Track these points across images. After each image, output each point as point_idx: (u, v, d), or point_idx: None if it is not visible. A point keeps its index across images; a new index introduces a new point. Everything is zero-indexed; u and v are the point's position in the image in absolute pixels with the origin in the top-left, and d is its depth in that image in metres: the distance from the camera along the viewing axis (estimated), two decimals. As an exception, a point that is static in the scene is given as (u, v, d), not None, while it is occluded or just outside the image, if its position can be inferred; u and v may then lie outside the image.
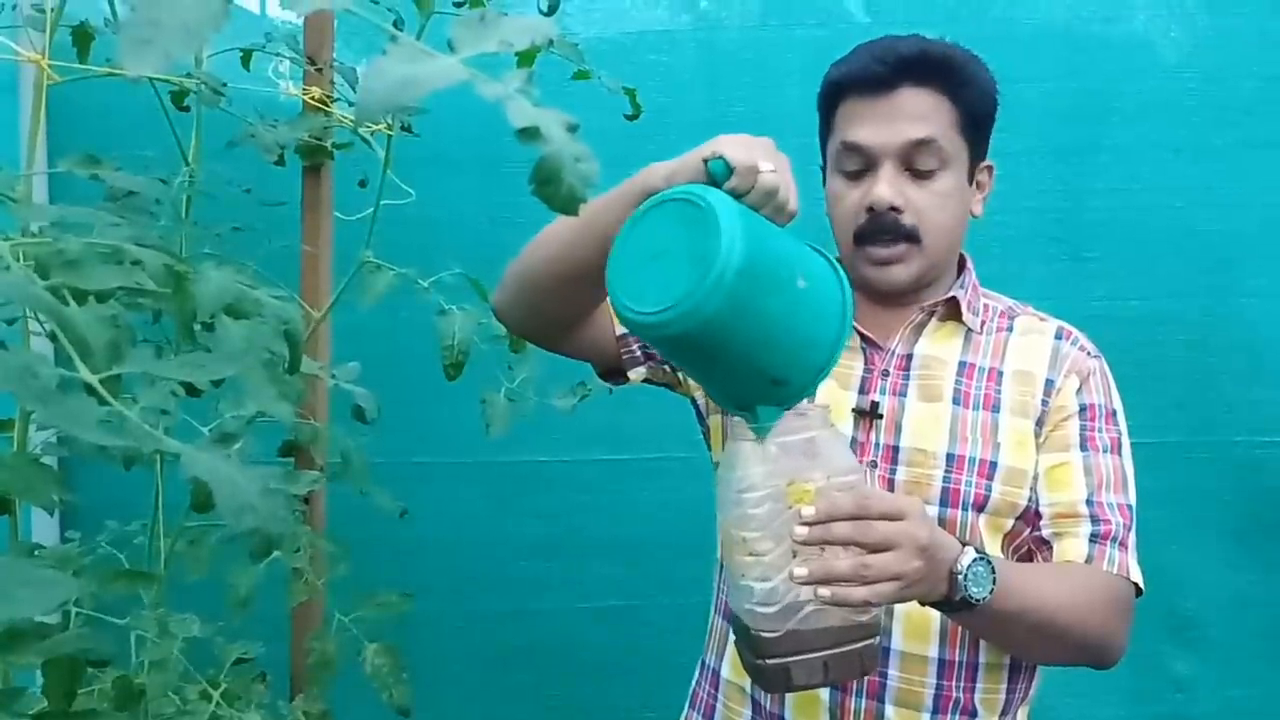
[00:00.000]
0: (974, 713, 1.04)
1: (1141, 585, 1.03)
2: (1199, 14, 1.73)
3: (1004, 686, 1.06)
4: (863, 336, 1.10)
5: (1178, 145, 1.73)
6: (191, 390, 0.68)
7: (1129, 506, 1.06)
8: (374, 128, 1.29)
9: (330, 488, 1.42)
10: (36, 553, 0.91)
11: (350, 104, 1.36)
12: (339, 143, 1.37)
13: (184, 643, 1.05)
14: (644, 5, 1.77)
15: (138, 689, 0.91)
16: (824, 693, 1.04)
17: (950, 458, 1.04)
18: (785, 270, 0.82)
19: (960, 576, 0.89)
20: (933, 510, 1.03)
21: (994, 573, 0.90)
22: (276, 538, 0.48)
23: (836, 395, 1.09)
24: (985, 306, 1.14)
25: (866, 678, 1.02)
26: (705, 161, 0.85)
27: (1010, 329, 1.12)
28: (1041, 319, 1.15)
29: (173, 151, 1.22)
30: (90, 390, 0.49)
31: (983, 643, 1.04)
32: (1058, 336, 1.12)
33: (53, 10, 0.98)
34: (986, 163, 1.12)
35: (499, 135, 0.56)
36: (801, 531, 0.83)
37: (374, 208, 1.27)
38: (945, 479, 1.03)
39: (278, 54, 1.35)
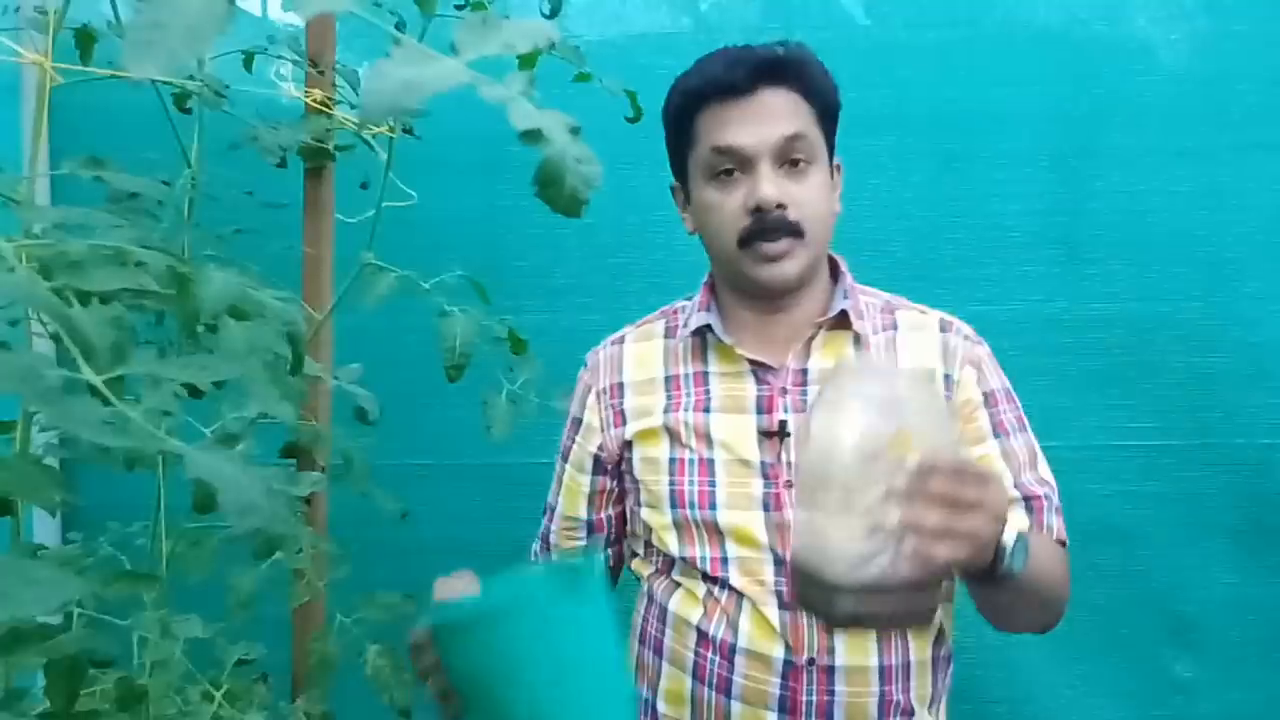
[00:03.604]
0: (911, 711, 1.07)
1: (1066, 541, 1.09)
2: (1199, 16, 1.73)
3: (930, 680, 1.09)
4: (750, 362, 1.11)
5: (1178, 148, 1.73)
6: (194, 391, 0.68)
7: (1047, 479, 1.11)
8: (376, 130, 1.29)
9: (332, 489, 1.42)
10: (39, 554, 0.92)
11: (352, 106, 1.36)
12: (341, 145, 1.37)
13: (186, 644, 1.05)
14: (645, 8, 1.78)
15: (140, 690, 0.91)
16: (772, 716, 1.05)
17: None
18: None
19: (1006, 550, 0.90)
20: None
21: (1028, 547, 0.91)
22: (278, 539, 0.48)
23: (738, 420, 1.10)
24: (867, 305, 1.15)
25: (814, 698, 1.04)
26: None
27: (895, 325, 1.14)
28: (922, 312, 1.17)
29: (175, 153, 1.23)
30: (93, 391, 0.49)
31: (912, 642, 1.07)
32: (942, 329, 1.14)
33: (55, 12, 0.98)
34: (836, 161, 1.14)
35: (501, 137, 0.56)
36: (901, 480, 0.82)
37: (376, 210, 1.27)
38: None
39: (280, 56, 1.35)
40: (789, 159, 1.06)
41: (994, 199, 1.75)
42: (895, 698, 1.06)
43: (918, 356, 1.11)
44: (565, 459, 1.24)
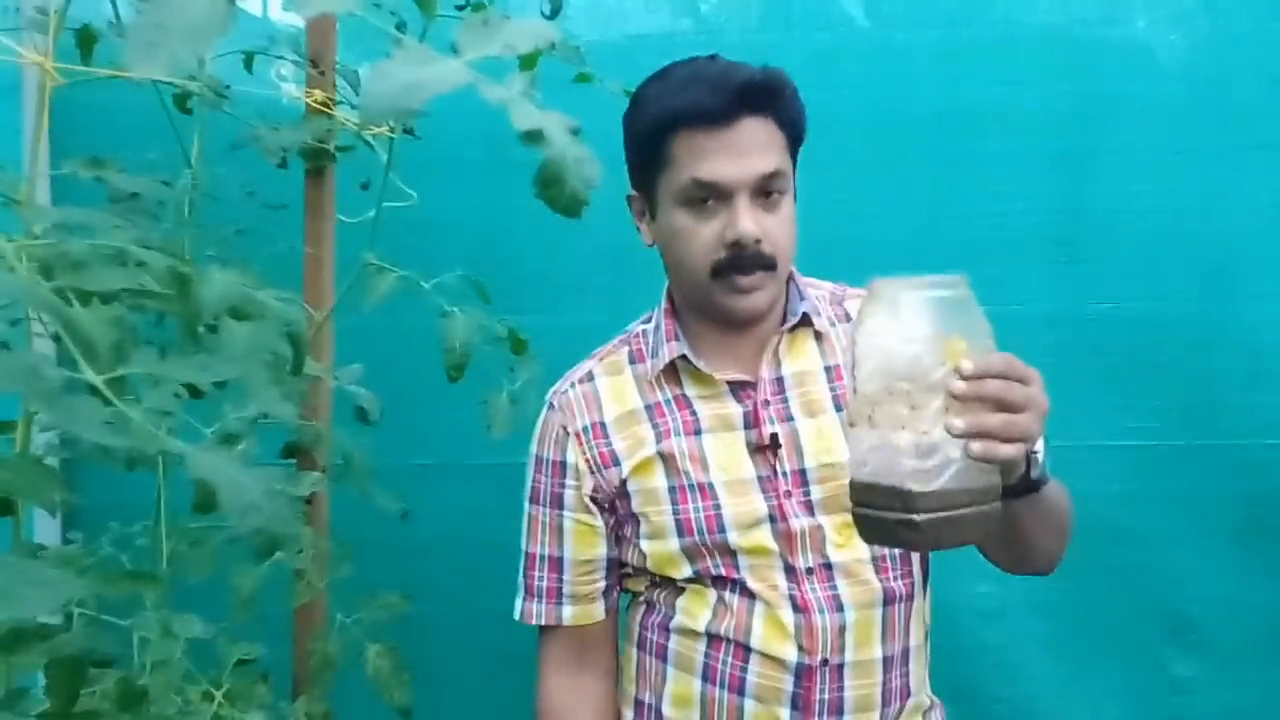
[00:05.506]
0: (909, 693, 1.12)
1: None
2: (1199, 17, 1.73)
3: (924, 660, 1.15)
4: (728, 383, 1.12)
5: (1178, 148, 1.72)
6: (195, 392, 0.68)
7: None
8: (376, 130, 1.29)
9: (332, 489, 1.42)
10: (39, 554, 0.92)
11: (353, 106, 1.36)
12: (341, 145, 1.38)
13: (186, 644, 1.05)
14: (645, 9, 1.78)
15: (140, 690, 0.91)
16: (785, 712, 1.06)
17: None
18: None
19: (1038, 455, 0.94)
20: None
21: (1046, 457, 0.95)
22: (279, 539, 0.48)
23: (729, 439, 1.11)
24: (818, 299, 1.17)
25: (826, 696, 1.06)
26: None
27: (847, 316, 1.16)
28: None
29: (175, 154, 1.23)
30: (94, 391, 0.49)
31: (911, 626, 1.11)
32: None
33: (56, 12, 0.98)
34: None
35: (502, 138, 0.56)
36: (960, 386, 0.83)
37: (376, 210, 1.27)
38: None
39: (280, 57, 1.35)
40: (764, 192, 1.05)
41: (994, 199, 1.75)
42: (896, 684, 1.09)
43: None
44: (558, 506, 1.17)
